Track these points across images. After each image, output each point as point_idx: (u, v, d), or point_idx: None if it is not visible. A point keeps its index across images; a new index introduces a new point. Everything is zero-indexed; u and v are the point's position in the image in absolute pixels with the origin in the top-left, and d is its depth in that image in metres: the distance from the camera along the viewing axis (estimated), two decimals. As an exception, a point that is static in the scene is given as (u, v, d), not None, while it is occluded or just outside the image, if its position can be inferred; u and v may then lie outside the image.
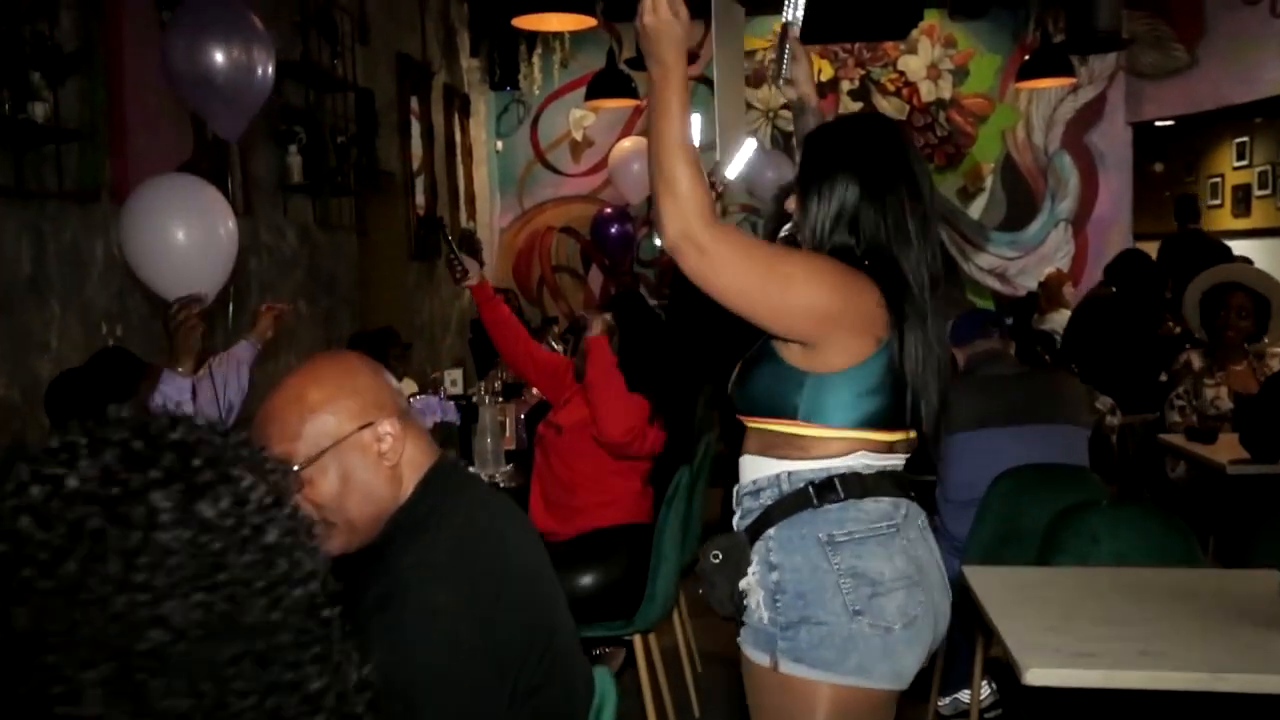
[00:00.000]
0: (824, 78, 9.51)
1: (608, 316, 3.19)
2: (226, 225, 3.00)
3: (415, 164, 8.05)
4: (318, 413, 1.42)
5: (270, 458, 0.77)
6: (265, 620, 0.68)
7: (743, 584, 1.76)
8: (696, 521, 3.31)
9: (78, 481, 0.66)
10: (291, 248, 5.86)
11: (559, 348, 6.62)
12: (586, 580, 2.98)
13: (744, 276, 1.63)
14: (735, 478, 1.87)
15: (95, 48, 3.82)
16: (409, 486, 1.48)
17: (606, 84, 7.96)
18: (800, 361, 1.74)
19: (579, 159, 10.00)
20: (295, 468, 1.39)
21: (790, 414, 1.75)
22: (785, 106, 3.99)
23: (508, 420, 3.97)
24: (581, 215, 9.85)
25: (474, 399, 4.57)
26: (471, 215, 9.53)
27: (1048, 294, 7.16)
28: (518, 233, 10.30)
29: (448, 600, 1.37)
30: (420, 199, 8.21)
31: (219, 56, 3.06)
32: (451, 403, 3.64)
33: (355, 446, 1.43)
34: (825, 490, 1.73)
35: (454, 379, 4.81)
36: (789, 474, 1.76)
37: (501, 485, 3.37)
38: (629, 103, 8.22)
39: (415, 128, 8.04)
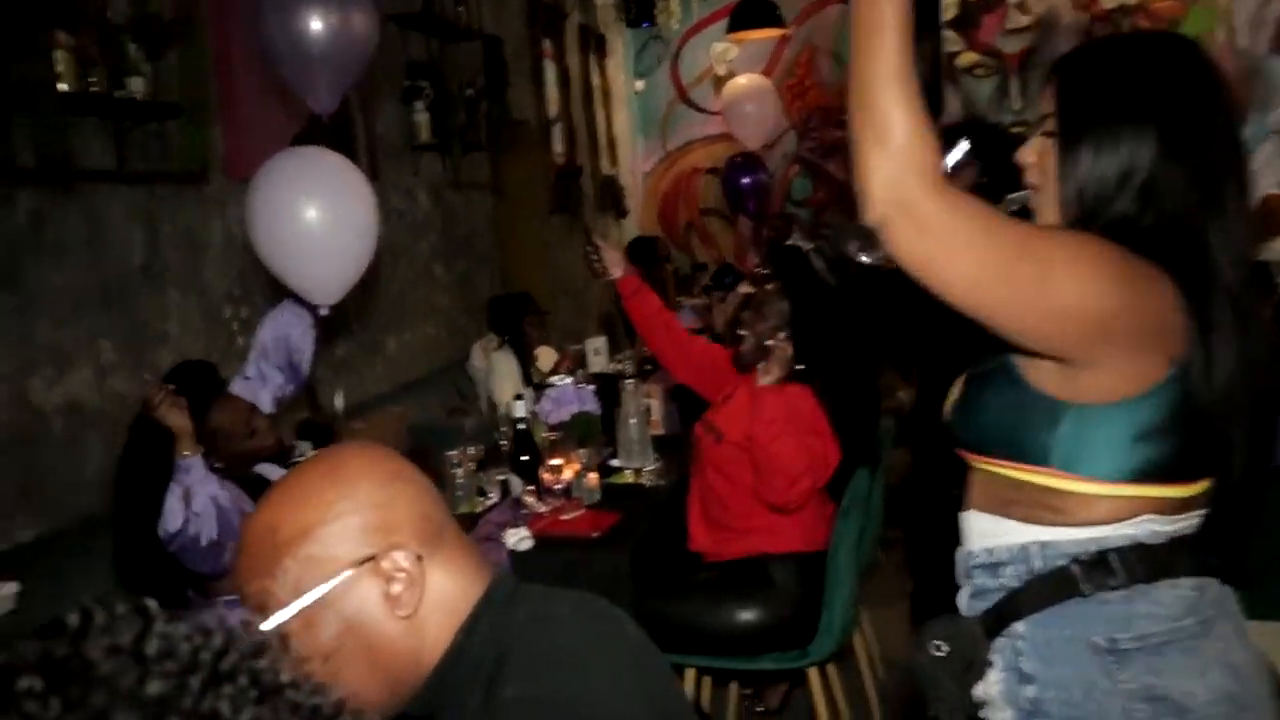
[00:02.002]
0: (991, -13, 8.61)
1: (788, 351, 2.66)
2: (365, 204, 2.65)
3: (551, 111, 7.65)
4: (299, 543, 1.02)
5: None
6: None
7: (979, 691, 1.29)
8: (875, 520, 2.80)
9: None
10: (424, 210, 5.56)
11: (703, 301, 6.17)
12: (749, 615, 2.56)
13: (981, 263, 1.15)
14: (923, 436, 1.37)
15: (196, 15, 3.52)
16: (439, 641, 1.06)
17: (749, 14, 7.34)
18: (1055, 387, 1.25)
19: (720, 97, 9.41)
20: (267, 625, 1.00)
21: (1039, 458, 1.26)
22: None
23: (654, 402, 3.55)
24: (729, 155, 9.27)
25: (621, 371, 4.17)
26: (613, 161, 9.10)
27: (1267, 219, 6.23)
28: (662, 176, 9.83)
29: None
30: (559, 148, 7.82)
31: (315, 23, 2.69)
32: (590, 389, 3.24)
33: (353, 590, 1.02)
34: (1098, 571, 1.24)
35: (596, 348, 4.41)
36: (1042, 546, 1.27)
37: (648, 485, 2.97)
38: (774, 33, 7.59)
39: (549, 73, 7.63)
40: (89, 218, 3.21)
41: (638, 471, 3.04)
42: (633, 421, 3.19)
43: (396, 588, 1.03)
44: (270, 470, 2.76)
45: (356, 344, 4.80)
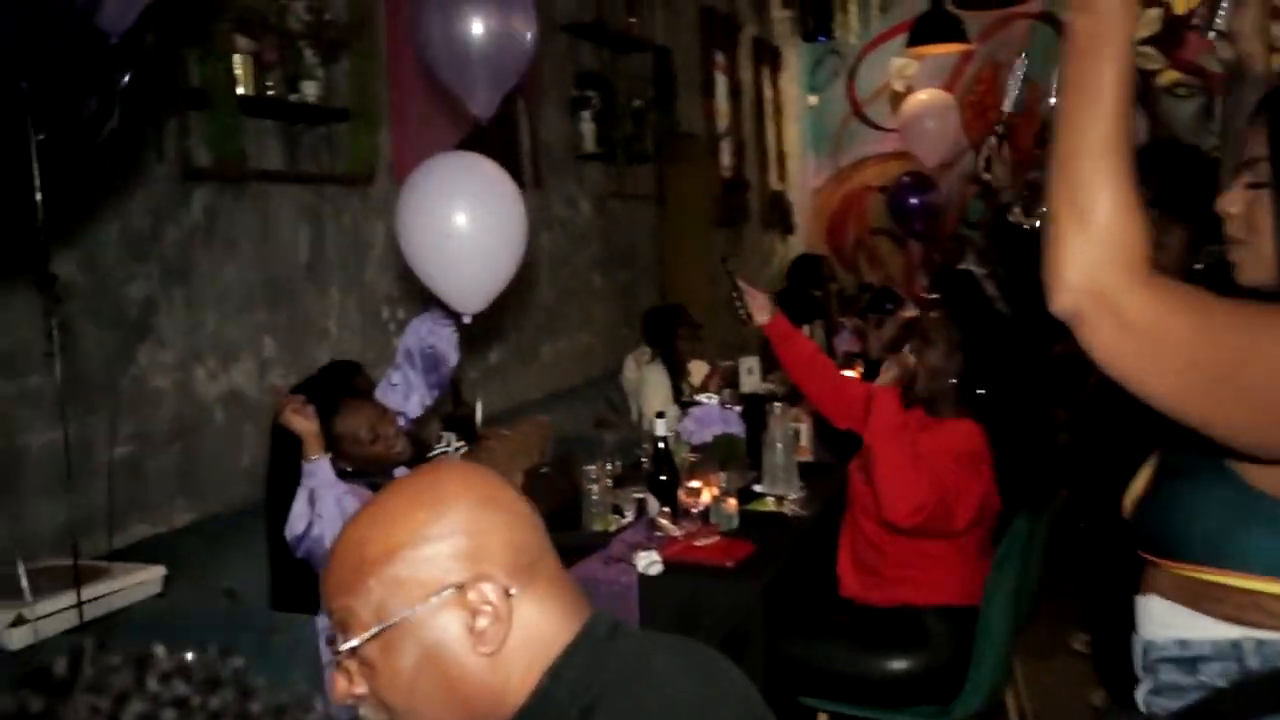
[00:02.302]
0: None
1: (908, 357, 2.49)
2: (515, 213, 2.62)
3: (721, 124, 7.58)
4: (385, 563, 0.95)
5: None
6: None
7: None
8: (1035, 572, 2.58)
9: None
10: (586, 219, 5.57)
11: (856, 323, 5.95)
12: (893, 665, 2.39)
13: (1196, 368, 0.98)
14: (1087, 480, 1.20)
15: (370, 22, 3.60)
16: (523, 682, 0.97)
17: (931, 28, 7.05)
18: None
19: (900, 112, 9.12)
20: (346, 646, 0.95)
21: (1251, 564, 1.10)
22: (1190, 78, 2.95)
23: (803, 427, 3.41)
24: (901, 173, 8.98)
25: (772, 392, 4.04)
26: (781, 176, 8.97)
27: None
28: (832, 193, 9.62)
29: None
30: (726, 161, 7.75)
31: (475, 26, 2.68)
32: (736, 410, 3.13)
33: (436, 619, 0.95)
34: None
35: (750, 366, 4.29)
36: (1259, 644, 1.10)
37: (789, 515, 2.83)
38: (956, 48, 7.26)
39: (721, 85, 7.57)
40: (260, 216, 3.32)
41: (780, 500, 2.91)
42: (779, 446, 3.07)
43: (482, 622, 0.96)
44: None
45: (511, 350, 4.83)
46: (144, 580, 2.39)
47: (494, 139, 4.63)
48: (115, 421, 2.83)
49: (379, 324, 3.86)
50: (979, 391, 2.48)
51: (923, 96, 7.42)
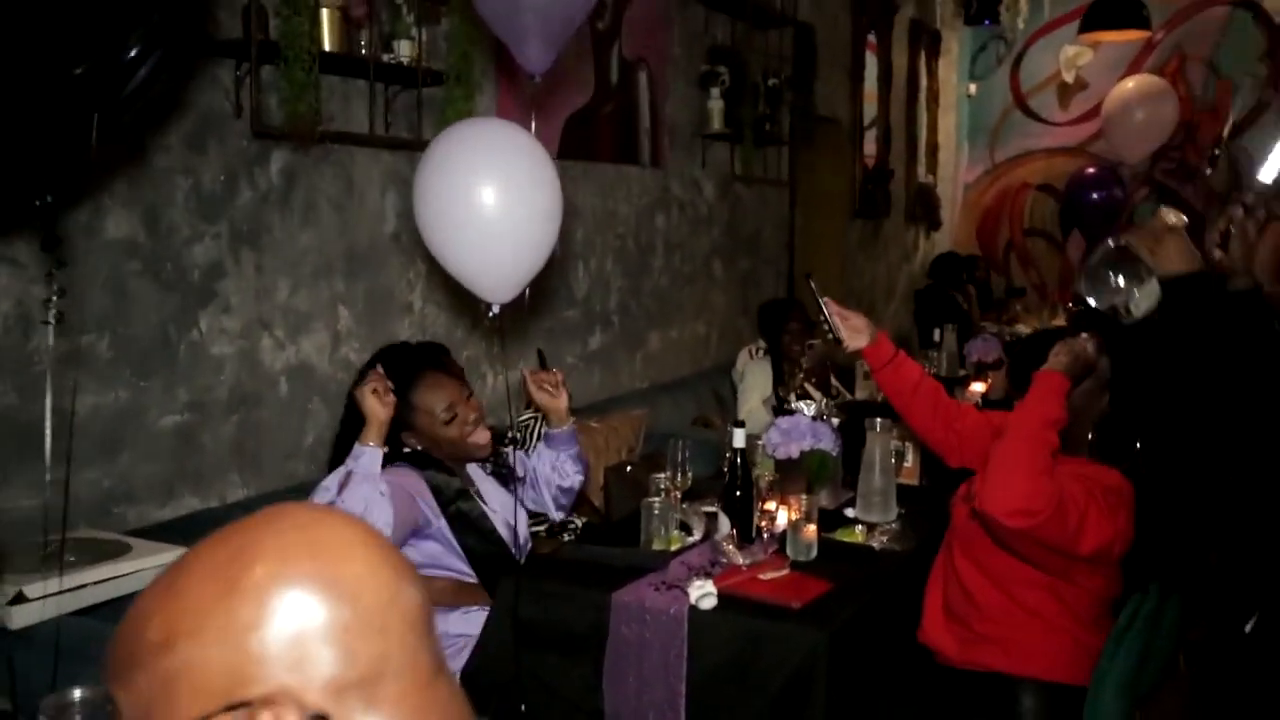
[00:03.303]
0: None
1: (1087, 343, 2.11)
2: (548, 188, 2.36)
3: (867, 109, 7.14)
4: (159, 653, 0.68)
5: None
6: None
7: None
8: (1162, 653, 2.17)
9: None
10: (708, 203, 5.28)
11: (995, 330, 5.47)
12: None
13: None
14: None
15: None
16: None
17: (1109, 12, 6.40)
18: None
19: (1067, 105, 8.47)
20: None
21: None
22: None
23: (909, 446, 3.05)
24: (1064, 171, 8.29)
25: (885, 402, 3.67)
26: (931, 169, 8.45)
27: None
28: (986, 189, 9.03)
29: None
30: (870, 149, 7.30)
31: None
32: (832, 422, 2.80)
33: None
34: None
35: (867, 370, 3.92)
36: None
37: (878, 548, 2.49)
38: (1137, 35, 6.59)
39: (870, 68, 7.12)
40: (343, 180, 3.16)
41: (870, 529, 2.57)
42: (876, 467, 2.72)
43: None
44: (482, 480, 2.56)
45: (615, 335, 4.59)
46: (165, 563, 2.24)
47: (612, 113, 4.40)
48: (170, 387, 2.72)
49: (470, 300, 3.64)
50: (1128, 442, 2.07)
51: (1131, 84, 6.57)
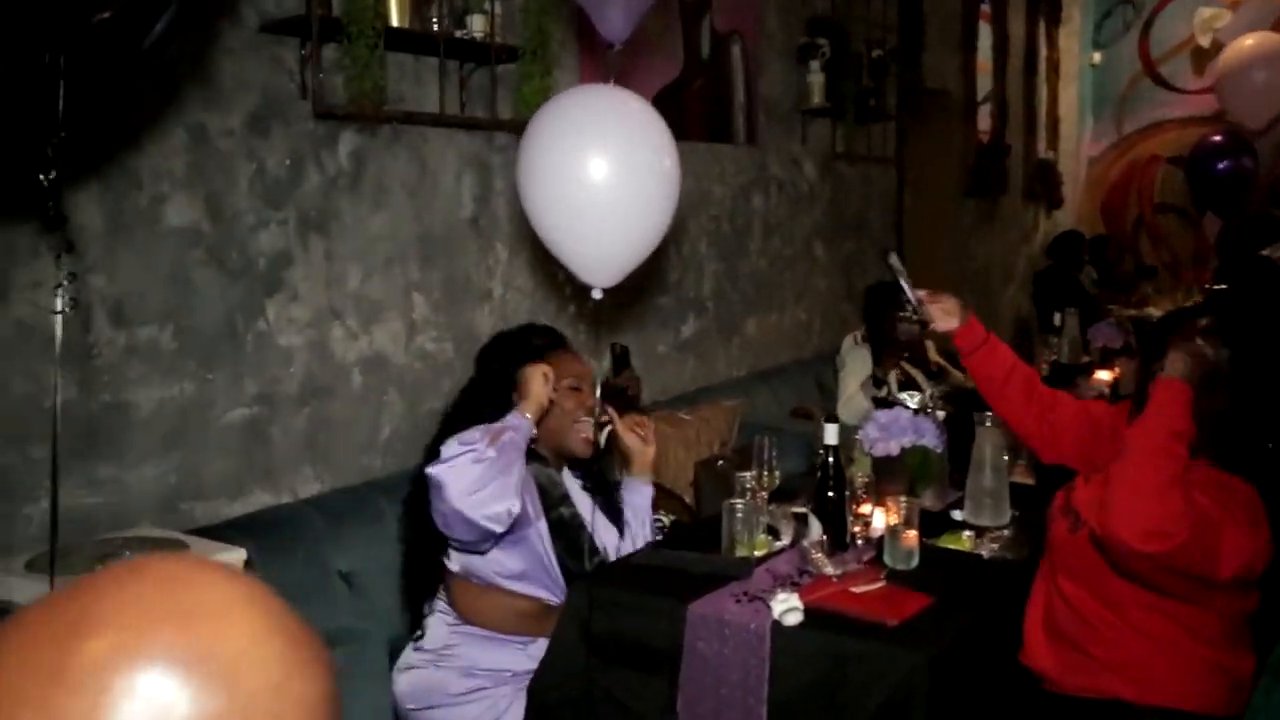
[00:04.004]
0: None
1: (1204, 346, 1.83)
2: (665, 162, 2.17)
3: (981, 81, 6.76)
4: None
5: None
6: None
7: None
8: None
9: None
10: (809, 182, 5.02)
11: (1122, 314, 5.06)
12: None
13: None
14: None
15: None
16: None
17: (1249, -34, 5.91)
18: None
19: (1202, 71, 7.88)
20: None
21: None
22: None
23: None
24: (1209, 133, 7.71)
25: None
26: (1052, 143, 7.99)
27: None
28: (1112, 163, 8.50)
29: None
30: (985, 123, 6.91)
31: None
32: (937, 416, 2.54)
33: None
34: None
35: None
36: None
37: (988, 557, 2.24)
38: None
39: (984, 38, 6.73)
40: (416, 163, 3.03)
41: (979, 535, 2.32)
42: (988, 466, 2.46)
43: None
44: (572, 487, 2.40)
45: (710, 321, 4.39)
46: (220, 563, 2.13)
47: (703, 88, 4.19)
48: (237, 380, 2.62)
49: (554, 286, 3.51)
50: (1254, 443, 1.79)
51: (1250, 41, 6.08)
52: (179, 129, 2.46)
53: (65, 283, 1.55)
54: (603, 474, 2.52)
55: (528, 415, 2.18)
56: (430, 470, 2.06)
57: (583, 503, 2.39)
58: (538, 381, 2.21)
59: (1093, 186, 8.55)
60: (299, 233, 2.74)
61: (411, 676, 2.28)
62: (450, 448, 2.07)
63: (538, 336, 2.51)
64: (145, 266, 2.42)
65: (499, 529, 2.07)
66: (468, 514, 2.02)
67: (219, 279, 2.57)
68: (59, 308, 1.56)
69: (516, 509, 2.07)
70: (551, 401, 2.27)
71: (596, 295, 2.24)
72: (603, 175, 2.11)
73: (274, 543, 2.51)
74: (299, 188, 2.73)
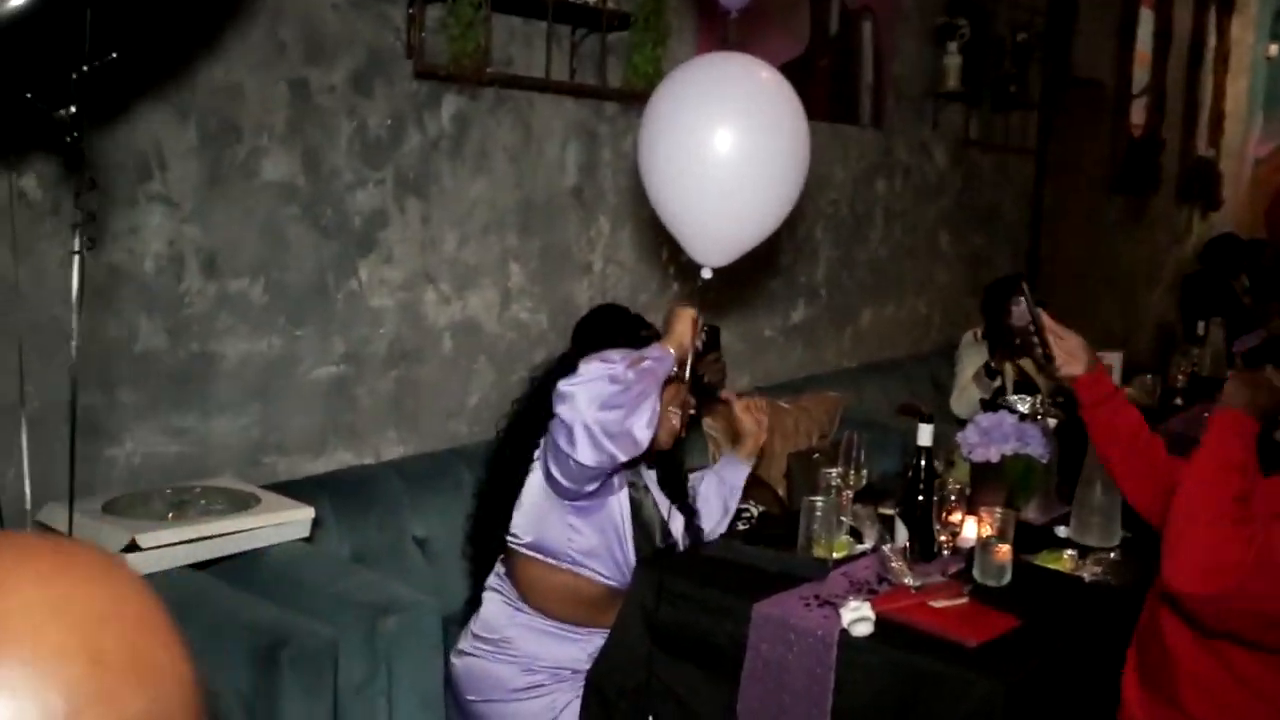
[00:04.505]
0: None
1: (1272, 377, 1.65)
2: (796, 138, 2.06)
3: (1137, 72, 6.34)
4: None
5: None
6: None
7: None
8: None
9: None
10: (938, 169, 4.79)
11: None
12: None
13: None
14: None
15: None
16: None
17: None
18: None
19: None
20: None
21: None
22: None
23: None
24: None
25: (1133, 400, 3.14)
26: (1214, 140, 7.47)
27: None
28: None
29: None
30: (1138, 117, 6.49)
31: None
32: (1040, 425, 2.35)
33: None
34: None
35: (1110, 363, 3.39)
36: None
37: (1089, 580, 2.04)
38: None
39: (1144, 25, 6.31)
40: (520, 129, 2.97)
41: (1083, 555, 2.13)
42: (1099, 481, 2.27)
43: None
44: (650, 481, 2.31)
45: (822, 308, 4.23)
46: (288, 521, 2.13)
47: (829, 66, 4.01)
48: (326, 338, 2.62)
49: (656, 264, 3.42)
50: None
51: None
52: (281, 83, 2.45)
53: (82, 250, 1.52)
54: (679, 468, 2.40)
55: (671, 350, 2.07)
56: (562, 384, 1.94)
57: (658, 496, 2.30)
58: (685, 323, 2.09)
59: (1258, 188, 7.98)
60: (396, 194, 2.71)
61: (469, 664, 2.21)
62: (589, 365, 1.97)
63: (642, 326, 2.45)
64: (240, 219, 2.42)
65: (623, 457, 1.94)
66: (594, 429, 1.89)
67: (313, 236, 2.56)
68: (76, 247, 1.52)
69: (645, 441, 1.95)
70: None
71: (706, 275, 2.14)
72: (730, 149, 2.00)
73: (351, 502, 2.50)
74: (398, 148, 2.70)
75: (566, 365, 2.31)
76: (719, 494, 2.44)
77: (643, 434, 1.93)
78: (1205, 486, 1.57)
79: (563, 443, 1.93)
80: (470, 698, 2.19)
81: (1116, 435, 1.95)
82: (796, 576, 2.01)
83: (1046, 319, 2.02)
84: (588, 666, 2.11)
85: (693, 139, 2.04)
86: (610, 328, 2.46)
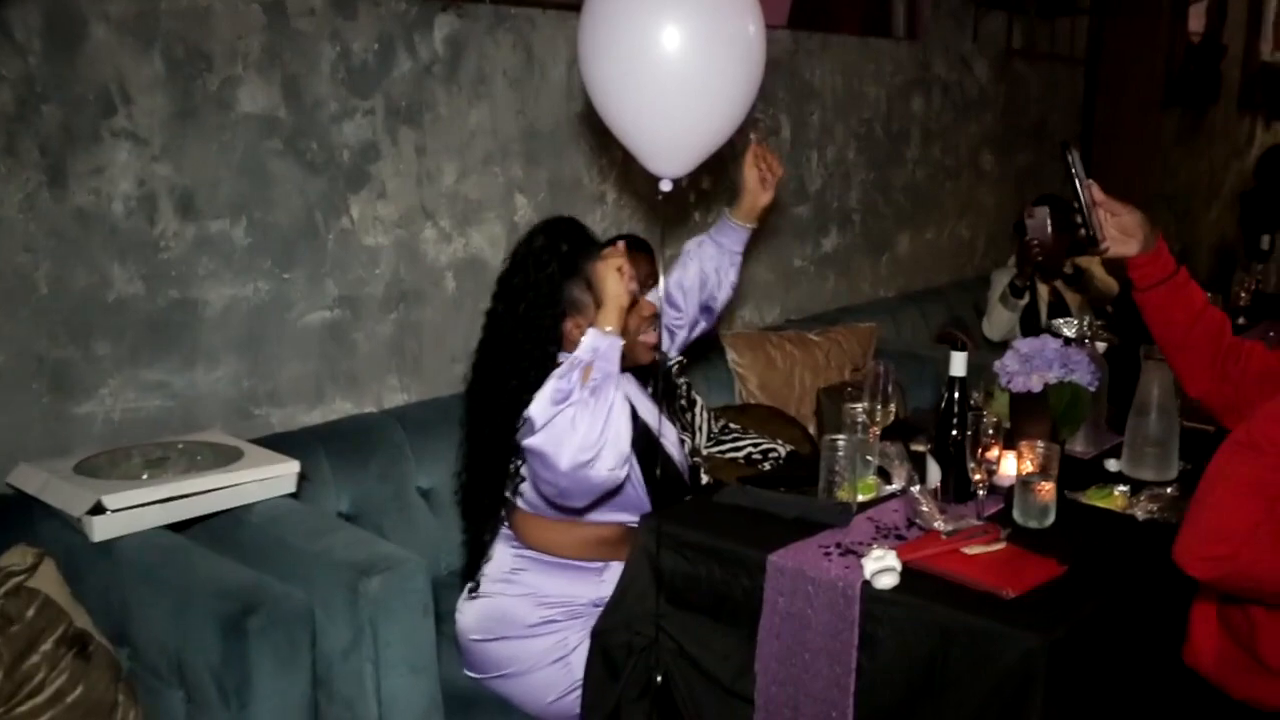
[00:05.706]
0: None
1: None
2: (747, 35, 1.85)
3: (1195, -27, 5.95)
4: None
5: None
6: None
7: None
8: None
9: None
10: (979, 83, 4.51)
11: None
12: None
13: None
14: None
15: None
16: None
17: None
18: None
19: None
20: None
21: None
22: None
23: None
24: None
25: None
26: (1278, 46, 7.03)
27: None
28: (1350, 70, 7.43)
29: None
30: (1196, 22, 6.10)
31: None
32: (1087, 350, 2.13)
33: None
34: None
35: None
36: None
37: (1142, 519, 1.84)
38: None
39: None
40: (521, 50, 2.78)
41: (1137, 492, 1.94)
42: (1153, 410, 2.06)
43: None
44: (635, 394, 2.13)
45: (855, 235, 4.01)
46: (272, 476, 1.99)
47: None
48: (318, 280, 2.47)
49: (678, 195, 3.20)
50: None
51: None
52: (254, 5, 2.28)
53: None
54: (668, 377, 2.25)
55: (609, 329, 1.90)
56: (529, 443, 1.80)
57: (648, 410, 2.14)
58: (612, 282, 1.91)
59: (1325, 95, 7.52)
60: (387, 124, 2.53)
61: (479, 606, 2.08)
62: (541, 407, 1.80)
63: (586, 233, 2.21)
64: (216, 156, 2.26)
65: (621, 476, 1.85)
66: (588, 477, 1.80)
67: (298, 172, 2.40)
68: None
69: (627, 444, 1.84)
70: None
71: (665, 187, 1.97)
72: (675, 46, 1.80)
73: (351, 454, 2.37)
74: (387, 75, 2.52)
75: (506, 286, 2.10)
76: (717, 262, 2.31)
77: (625, 442, 1.83)
78: (1224, 461, 1.41)
79: (553, 497, 1.92)
80: (475, 638, 2.06)
81: (1179, 317, 1.75)
82: (817, 523, 1.84)
83: (1097, 191, 1.80)
84: (604, 595, 1.96)
85: (625, 35, 1.84)
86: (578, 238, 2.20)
